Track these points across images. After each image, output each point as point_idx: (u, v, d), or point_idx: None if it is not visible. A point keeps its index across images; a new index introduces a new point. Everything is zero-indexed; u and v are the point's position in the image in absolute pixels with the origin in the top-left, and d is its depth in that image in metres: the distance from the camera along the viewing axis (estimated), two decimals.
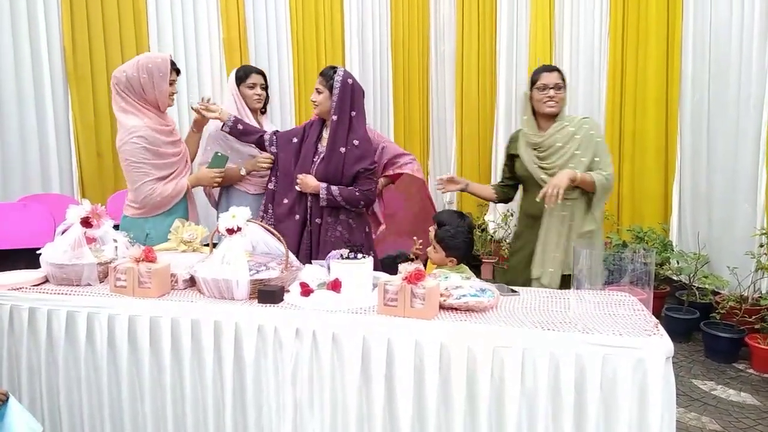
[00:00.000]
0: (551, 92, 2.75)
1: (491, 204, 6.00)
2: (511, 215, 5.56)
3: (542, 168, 2.81)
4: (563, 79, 2.79)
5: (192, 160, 3.13)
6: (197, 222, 2.82)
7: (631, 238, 4.38)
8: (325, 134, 2.93)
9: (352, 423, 1.89)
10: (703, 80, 4.17)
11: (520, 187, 3.07)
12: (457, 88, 6.27)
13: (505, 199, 3.16)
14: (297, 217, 2.91)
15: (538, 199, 2.67)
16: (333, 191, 2.83)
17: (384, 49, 5.99)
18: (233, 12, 4.69)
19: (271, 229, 2.32)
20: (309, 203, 2.91)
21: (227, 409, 2.00)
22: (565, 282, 2.76)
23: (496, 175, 5.97)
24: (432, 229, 2.68)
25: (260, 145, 3.06)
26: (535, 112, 2.86)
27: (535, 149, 2.84)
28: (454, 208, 6.52)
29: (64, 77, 3.93)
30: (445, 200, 6.59)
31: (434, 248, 2.62)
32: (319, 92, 2.88)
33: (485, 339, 1.79)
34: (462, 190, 3.11)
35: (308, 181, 2.85)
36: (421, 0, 6.23)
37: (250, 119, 3.19)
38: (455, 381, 1.79)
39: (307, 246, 2.92)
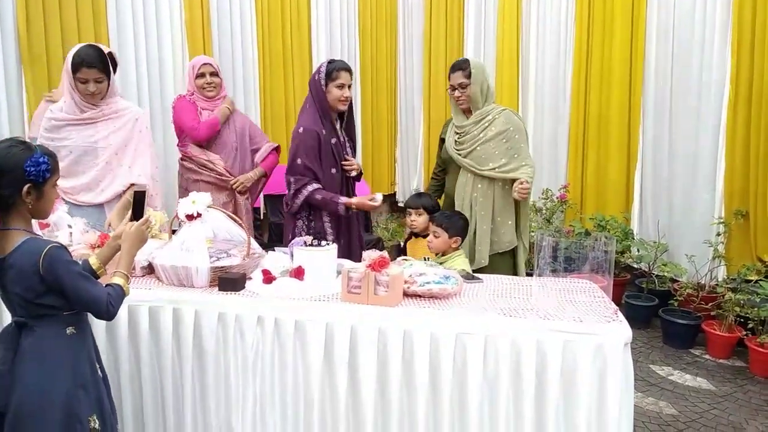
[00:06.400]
0: (456, 93, 2.95)
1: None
2: None
3: (457, 150, 2.97)
4: (469, 76, 2.90)
5: None
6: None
7: (593, 227, 4.45)
8: (336, 124, 2.93)
9: (315, 410, 1.88)
10: (666, 68, 4.23)
11: None
12: (424, 74, 6.25)
13: (441, 189, 3.23)
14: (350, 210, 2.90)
15: (515, 197, 2.81)
16: None
17: (351, 33, 5.92)
18: None
19: (233, 216, 2.28)
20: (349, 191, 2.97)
21: (187, 398, 1.97)
22: (496, 262, 2.93)
23: None
24: (416, 217, 2.88)
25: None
26: None
27: (456, 133, 3.01)
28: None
29: (17, 59, 3.78)
30: (412, 187, 6.60)
31: (434, 236, 2.66)
32: (350, 87, 2.86)
33: (448, 326, 1.79)
34: None
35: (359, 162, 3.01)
36: None
37: (84, 108, 2.71)
38: (418, 368, 1.79)
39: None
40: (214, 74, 3.28)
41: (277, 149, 3.55)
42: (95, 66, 2.56)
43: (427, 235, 2.88)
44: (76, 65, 2.54)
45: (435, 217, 2.75)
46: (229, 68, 4.84)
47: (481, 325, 1.78)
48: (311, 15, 5.48)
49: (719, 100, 3.85)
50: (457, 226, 2.68)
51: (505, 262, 3.00)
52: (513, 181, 2.84)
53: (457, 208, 2.95)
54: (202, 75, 3.25)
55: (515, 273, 2.99)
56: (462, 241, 2.71)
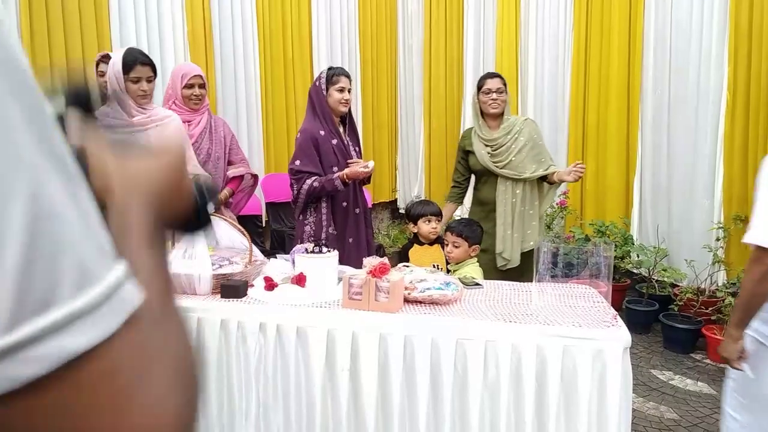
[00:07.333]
0: (494, 95, 3.17)
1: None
2: None
3: (494, 162, 3.17)
4: (504, 84, 3.22)
5: None
6: None
7: (593, 233, 4.47)
8: (341, 128, 3.03)
9: (317, 416, 1.89)
10: (663, 75, 4.26)
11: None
12: (425, 82, 6.29)
13: (463, 196, 3.47)
14: (357, 210, 3.04)
15: (570, 179, 3.07)
16: None
17: (352, 42, 5.96)
18: (198, 4, 4.62)
19: (235, 224, 2.30)
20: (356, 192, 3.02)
21: None
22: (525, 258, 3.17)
23: None
24: (436, 224, 2.84)
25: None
26: (483, 114, 3.26)
27: (487, 146, 3.20)
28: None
29: None
30: (413, 194, 6.62)
31: (454, 246, 2.66)
32: (349, 91, 2.98)
33: (448, 331, 1.81)
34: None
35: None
36: None
37: (130, 112, 2.72)
38: (419, 373, 1.81)
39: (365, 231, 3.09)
40: (203, 86, 3.13)
41: (254, 176, 3.40)
42: (149, 64, 2.63)
43: (433, 243, 2.89)
44: (130, 64, 2.58)
45: (453, 227, 2.72)
46: (231, 77, 4.87)
47: (482, 330, 1.80)
48: (312, 26, 5.53)
49: (717, 107, 3.88)
50: (477, 234, 2.70)
51: (528, 260, 3.15)
52: (540, 181, 3.18)
53: (499, 215, 3.12)
54: (191, 86, 3.09)
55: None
56: (479, 250, 2.76)
